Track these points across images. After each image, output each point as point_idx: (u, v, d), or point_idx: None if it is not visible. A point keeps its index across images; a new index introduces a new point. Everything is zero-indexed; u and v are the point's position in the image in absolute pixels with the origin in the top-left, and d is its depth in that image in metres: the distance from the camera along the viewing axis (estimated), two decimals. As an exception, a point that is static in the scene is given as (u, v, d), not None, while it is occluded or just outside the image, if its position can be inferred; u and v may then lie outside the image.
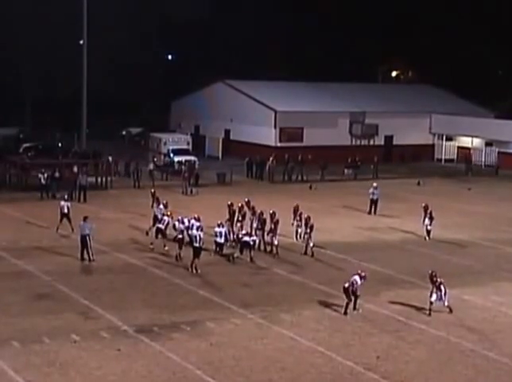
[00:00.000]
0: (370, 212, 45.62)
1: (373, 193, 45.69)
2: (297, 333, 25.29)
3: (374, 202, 45.65)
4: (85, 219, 33.80)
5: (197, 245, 31.85)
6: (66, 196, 40.91)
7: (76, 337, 24.24)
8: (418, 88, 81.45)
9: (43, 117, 75.63)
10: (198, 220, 34.42)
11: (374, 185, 46.32)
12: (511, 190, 56.38)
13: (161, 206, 37.75)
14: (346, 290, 27.09)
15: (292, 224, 37.69)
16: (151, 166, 56.23)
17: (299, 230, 37.44)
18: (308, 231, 35.35)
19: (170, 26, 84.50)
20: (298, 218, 37.64)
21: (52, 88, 76.90)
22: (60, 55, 74.23)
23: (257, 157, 59.84)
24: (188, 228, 33.90)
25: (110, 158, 55.26)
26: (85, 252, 33.31)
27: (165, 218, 35.83)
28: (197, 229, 32.79)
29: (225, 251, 34.62)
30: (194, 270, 31.75)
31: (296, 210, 38.11)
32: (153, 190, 43.27)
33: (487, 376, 22.48)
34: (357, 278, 27.24)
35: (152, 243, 35.69)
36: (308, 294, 29.47)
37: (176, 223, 34.61)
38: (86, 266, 32.87)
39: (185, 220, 34.42)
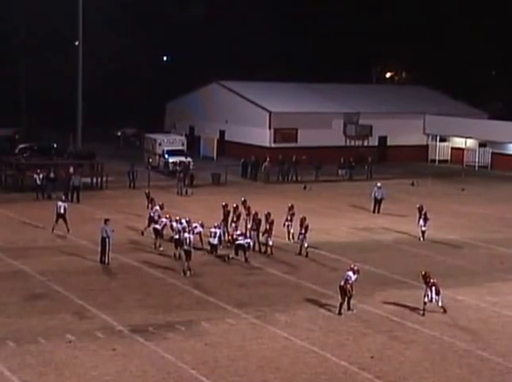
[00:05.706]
0: (374, 211, 46.13)
1: (376, 193, 46.14)
2: (292, 333, 25.36)
3: (378, 201, 46.13)
4: (106, 221, 33.64)
5: (187, 248, 31.88)
6: (64, 197, 41.16)
7: (71, 337, 24.27)
8: (412, 89, 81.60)
9: (38, 118, 75.52)
10: (188, 222, 34.28)
11: (378, 184, 46.76)
12: (505, 191, 56.60)
13: (157, 207, 37.76)
14: (342, 289, 27.15)
15: (284, 225, 37.77)
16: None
17: (291, 230, 37.54)
18: (303, 231, 35.40)
19: (165, 27, 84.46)
20: (289, 218, 37.71)
21: (48, 89, 76.80)
22: (55, 55, 74.18)
23: (252, 157, 59.92)
24: (184, 229, 33.80)
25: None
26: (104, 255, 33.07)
27: (163, 219, 35.95)
28: (189, 232, 32.72)
29: (220, 251, 34.70)
30: (184, 274, 31.56)
31: (289, 210, 38.15)
32: (147, 191, 43.35)
33: (481, 376, 22.56)
34: (350, 273, 27.32)
35: (160, 246, 35.52)
36: (303, 294, 29.54)
37: (174, 223, 34.67)
38: (81, 266, 32.84)
39: (183, 221, 34.35)
